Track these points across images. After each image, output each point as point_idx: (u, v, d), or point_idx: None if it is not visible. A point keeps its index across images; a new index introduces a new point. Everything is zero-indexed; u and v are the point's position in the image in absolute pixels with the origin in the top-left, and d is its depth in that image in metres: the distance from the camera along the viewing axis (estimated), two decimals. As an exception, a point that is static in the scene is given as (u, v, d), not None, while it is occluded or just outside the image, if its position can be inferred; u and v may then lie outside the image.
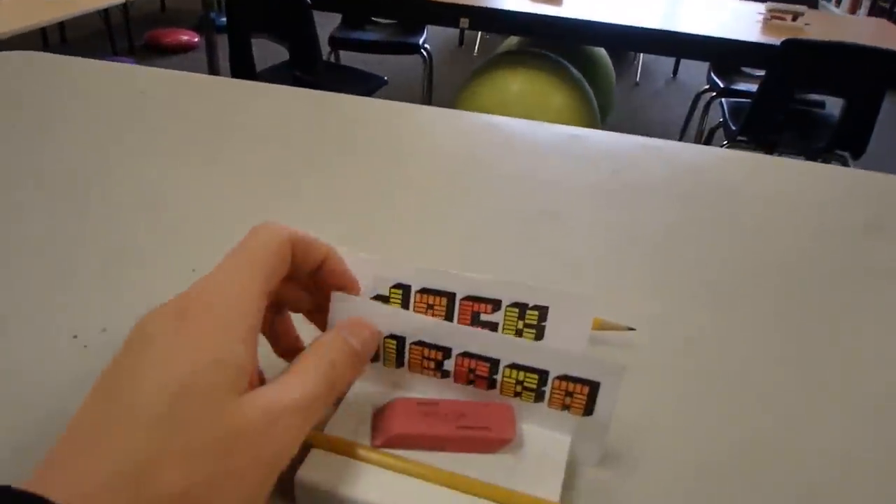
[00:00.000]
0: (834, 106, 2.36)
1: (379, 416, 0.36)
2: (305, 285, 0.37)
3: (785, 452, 0.40)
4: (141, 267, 0.50)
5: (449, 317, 0.40)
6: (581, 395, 0.35)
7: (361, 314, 0.36)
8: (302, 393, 0.28)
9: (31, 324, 0.44)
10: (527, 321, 0.40)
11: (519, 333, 0.40)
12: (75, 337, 0.43)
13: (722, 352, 0.47)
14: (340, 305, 0.36)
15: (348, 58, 3.22)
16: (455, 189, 0.65)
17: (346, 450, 0.34)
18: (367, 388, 0.38)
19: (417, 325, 0.36)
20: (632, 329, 0.46)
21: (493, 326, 0.40)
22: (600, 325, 0.45)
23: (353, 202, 0.61)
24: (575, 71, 2.67)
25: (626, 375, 0.44)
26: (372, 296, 0.41)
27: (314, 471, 0.33)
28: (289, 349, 0.37)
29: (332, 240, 0.40)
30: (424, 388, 0.37)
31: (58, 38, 4.08)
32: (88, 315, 0.44)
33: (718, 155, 0.78)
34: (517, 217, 0.62)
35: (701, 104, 2.87)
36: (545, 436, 0.36)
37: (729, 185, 0.71)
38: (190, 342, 0.27)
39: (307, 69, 2.29)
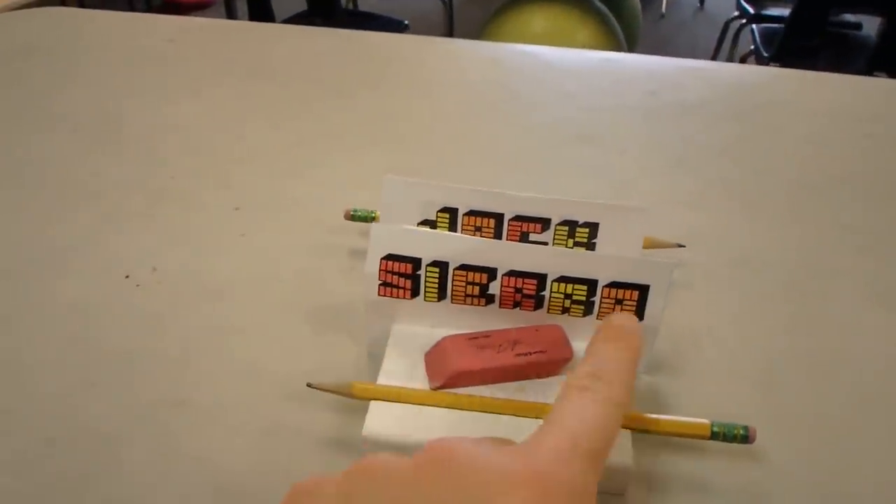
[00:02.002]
0: (871, 27, 2.27)
1: (431, 357, 0.35)
2: None
3: (842, 362, 0.39)
4: (184, 207, 0.50)
5: (498, 237, 0.40)
6: (631, 300, 0.34)
7: (403, 241, 0.35)
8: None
9: (87, 264, 0.44)
10: (577, 239, 0.39)
11: (569, 252, 0.39)
12: (127, 277, 0.43)
13: (776, 267, 0.46)
14: (381, 236, 0.35)
15: (366, 4, 3.16)
16: (490, 118, 0.64)
17: (406, 397, 0.33)
18: (411, 330, 0.37)
19: (461, 246, 0.35)
20: (682, 246, 0.45)
21: (560, 247, 0.39)
22: (650, 244, 0.44)
23: (388, 136, 0.60)
24: (599, 4, 2.60)
25: (678, 291, 0.44)
26: (419, 221, 0.40)
27: (379, 424, 0.32)
28: None
29: (372, 172, 0.39)
30: (468, 321, 0.36)
31: (76, 3, 4.06)
32: (139, 255, 0.45)
33: (759, 72, 0.76)
34: (555, 142, 0.60)
35: (730, 33, 2.78)
36: (599, 349, 0.36)
37: (773, 102, 0.69)
38: None
39: (326, 16, 2.26)
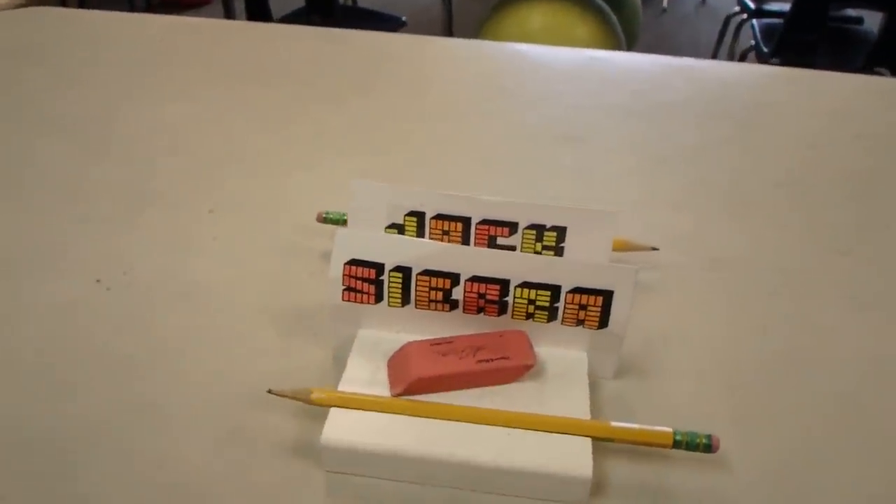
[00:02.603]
0: (873, 22, 2.25)
1: (394, 363, 0.34)
2: None
3: (815, 364, 0.39)
4: (160, 209, 0.50)
5: (465, 243, 0.40)
6: (595, 306, 0.34)
7: (367, 246, 0.35)
8: None
9: (56, 268, 0.44)
10: (545, 243, 0.39)
11: (538, 256, 0.39)
12: (98, 281, 0.43)
13: (750, 270, 0.46)
14: (344, 241, 0.35)
15: (365, 0, 3.16)
16: (477, 117, 0.64)
17: (365, 404, 0.32)
18: (374, 335, 0.36)
19: (423, 251, 0.35)
20: (655, 249, 0.45)
21: (510, 251, 0.39)
22: (623, 246, 0.44)
23: (373, 138, 0.60)
24: (599, 0, 2.58)
25: (651, 294, 0.43)
26: (387, 225, 0.40)
27: (338, 431, 0.31)
28: None
29: (353, 175, 0.39)
30: (433, 326, 0.36)
31: (76, 3, 4.06)
32: (110, 259, 0.45)
33: (747, 70, 0.75)
34: (540, 141, 0.60)
35: (731, 27, 2.76)
36: (562, 355, 0.35)
37: (759, 101, 0.68)
38: None
39: (324, 13, 2.25)
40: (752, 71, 0.76)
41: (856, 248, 0.48)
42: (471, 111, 0.65)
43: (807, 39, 2.15)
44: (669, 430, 0.31)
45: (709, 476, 0.32)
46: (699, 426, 0.34)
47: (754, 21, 2.55)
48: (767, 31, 2.41)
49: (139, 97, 0.65)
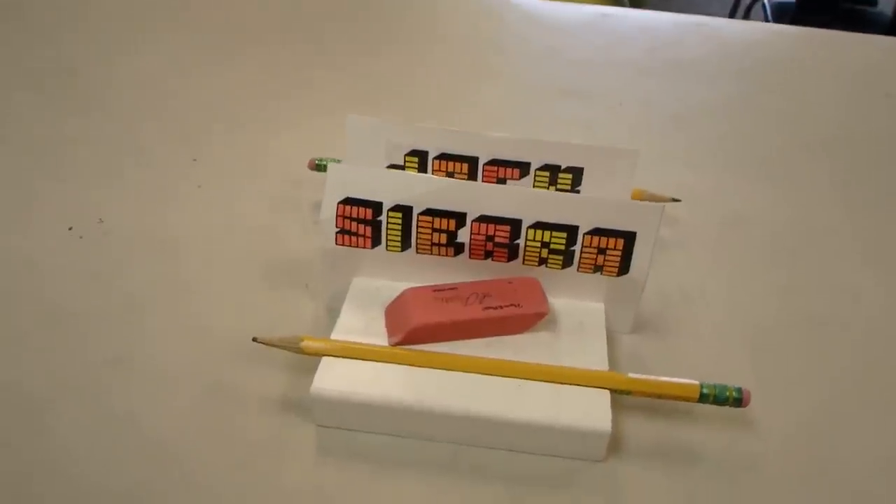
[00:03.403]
0: (886, 5, 2.21)
1: (391, 311, 0.31)
2: None
3: (839, 325, 0.36)
4: (141, 159, 0.46)
5: (471, 185, 0.36)
6: (615, 250, 0.31)
7: (363, 183, 0.31)
8: None
9: (25, 218, 0.41)
10: (559, 186, 0.36)
11: (550, 201, 0.36)
12: (70, 228, 0.40)
13: (772, 228, 0.43)
14: (338, 177, 0.32)
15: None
16: (481, 72, 0.60)
17: (359, 353, 0.29)
18: (372, 283, 0.33)
19: (426, 187, 0.31)
20: (677, 200, 0.41)
21: (536, 188, 0.36)
22: (643, 197, 0.41)
23: (373, 89, 0.57)
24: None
25: (670, 250, 0.40)
26: (386, 166, 0.37)
27: (329, 381, 0.28)
28: None
29: (344, 126, 0.36)
30: (436, 273, 0.32)
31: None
32: (85, 207, 0.41)
33: (760, 29, 0.72)
34: (546, 97, 0.56)
35: (742, 7, 2.72)
36: (577, 306, 0.32)
37: (774, 60, 0.64)
38: None
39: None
40: (770, 30, 0.72)
41: (883, 208, 0.45)
42: (475, 66, 0.61)
43: (819, 20, 2.10)
44: (696, 382, 0.28)
45: (732, 434, 0.29)
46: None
47: (765, 1, 2.50)
48: (778, 11, 2.36)
49: (121, 50, 0.61)
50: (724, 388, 0.28)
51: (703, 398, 0.28)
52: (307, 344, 0.29)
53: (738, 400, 0.28)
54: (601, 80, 0.59)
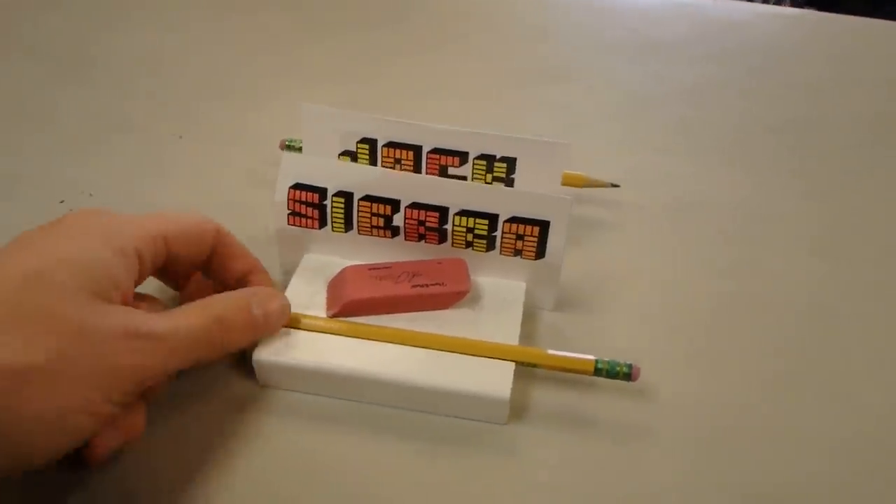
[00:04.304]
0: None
1: (333, 285, 0.35)
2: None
3: (757, 309, 0.39)
4: (130, 133, 0.50)
5: (417, 171, 0.40)
6: (532, 236, 0.34)
7: (310, 171, 0.35)
8: (169, 328, 0.27)
9: (18, 189, 0.45)
10: (495, 174, 0.39)
11: (488, 187, 0.39)
12: (62, 202, 0.44)
13: (713, 214, 0.45)
14: (289, 165, 0.35)
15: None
16: (461, 51, 0.63)
17: (300, 323, 0.33)
18: (317, 261, 0.37)
19: (365, 177, 0.35)
20: (615, 186, 0.44)
21: (461, 180, 0.39)
22: (583, 182, 0.44)
23: (355, 66, 0.60)
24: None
25: (609, 232, 0.43)
26: (340, 151, 0.40)
27: (271, 349, 0.32)
28: None
29: (328, 104, 0.39)
30: (376, 252, 0.36)
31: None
32: (76, 180, 0.46)
33: (747, 10, 0.73)
34: (524, 77, 0.59)
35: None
36: (501, 284, 0.36)
37: (755, 42, 0.66)
38: (50, 244, 0.27)
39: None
40: (753, 11, 0.73)
41: (831, 196, 0.47)
42: (455, 45, 0.64)
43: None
44: (591, 357, 0.32)
45: (629, 406, 0.33)
46: (630, 361, 0.34)
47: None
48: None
49: (116, 23, 0.65)
50: (616, 363, 0.31)
51: (597, 372, 0.32)
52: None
53: (628, 374, 0.31)
54: (579, 61, 0.62)
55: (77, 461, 0.27)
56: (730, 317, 0.38)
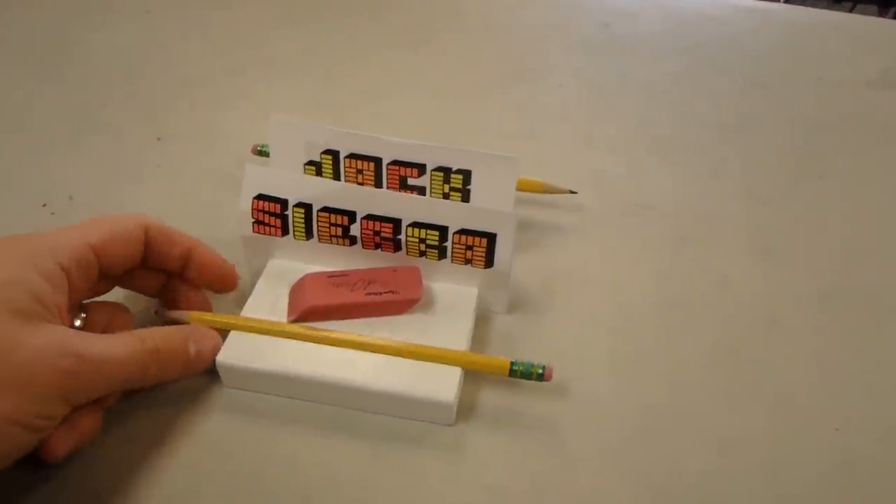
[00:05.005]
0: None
1: (293, 292, 0.37)
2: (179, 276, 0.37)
3: (701, 312, 0.41)
4: (109, 135, 0.52)
5: (378, 182, 0.42)
6: (480, 247, 0.36)
7: (272, 182, 0.37)
8: (101, 351, 0.28)
9: (1, 192, 0.47)
10: (452, 185, 0.41)
11: (446, 197, 0.41)
12: (44, 205, 0.46)
13: (667, 216, 0.47)
14: (252, 176, 0.37)
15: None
16: (433, 48, 0.64)
17: (261, 328, 0.36)
18: (281, 266, 0.39)
19: (322, 190, 0.37)
20: (573, 192, 0.46)
21: (420, 191, 0.41)
22: (541, 188, 0.46)
23: (328, 63, 0.61)
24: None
25: (564, 237, 0.45)
26: (305, 162, 0.42)
27: (233, 352, 0.35)
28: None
29: (298, 105, 0.40)
30: (336, 258, 0.39)
31: None
32: (57, 184, 0.48)
33: (721, 5, 0.74)
34: (491, 76, 0.61)
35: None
36: (454, 290, 0.38)
37: (728, 37, 0.67)
38: None
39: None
40: (728, 5, 0.74)
41: (779, 198, 0.49)
42: (427, 42, 0.65)
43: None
44: (507, 359, 0.34)
45: (552, 405, 0.35)
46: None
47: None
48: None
49: (94, 22, 0.66)
50: (531, 364, 0.34)
51: (512, 373, 0.34)
52: (195, 319, 0.36)
53: (541, 376, 0.34)
54: (548, 59, 0.63)
55: (37, 460, 0.29)
56: (669, 321, 0.40)
